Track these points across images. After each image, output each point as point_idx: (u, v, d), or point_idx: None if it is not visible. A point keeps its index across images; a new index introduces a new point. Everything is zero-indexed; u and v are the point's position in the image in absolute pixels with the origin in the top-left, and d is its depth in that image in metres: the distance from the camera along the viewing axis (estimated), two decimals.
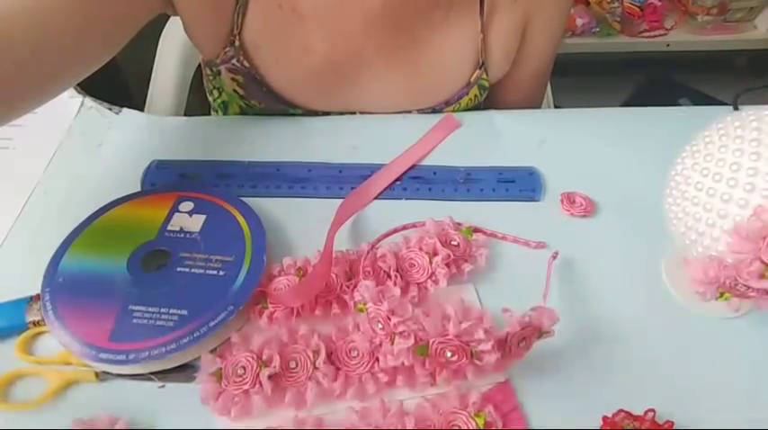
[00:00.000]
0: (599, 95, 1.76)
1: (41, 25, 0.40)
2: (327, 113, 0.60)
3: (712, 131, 0.39)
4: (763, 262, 0.35)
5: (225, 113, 0.63)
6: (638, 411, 0.37)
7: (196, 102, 0.71)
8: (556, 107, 0.79)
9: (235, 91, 0.59)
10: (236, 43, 0.53)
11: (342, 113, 0.60)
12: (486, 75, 0.59)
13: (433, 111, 0.60)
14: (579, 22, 1.60)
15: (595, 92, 1.76)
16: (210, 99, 0.64)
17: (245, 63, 0.55)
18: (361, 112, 0.60)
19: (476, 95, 0.60)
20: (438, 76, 0.59)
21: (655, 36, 1.62)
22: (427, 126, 0.57)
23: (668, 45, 1.63)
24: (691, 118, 0.56)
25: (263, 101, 0.58)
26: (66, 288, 0.41)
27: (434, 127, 0.57)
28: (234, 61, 0.55)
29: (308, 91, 0.58)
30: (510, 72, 0.62)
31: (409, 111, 0.60)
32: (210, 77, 0.60)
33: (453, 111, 0.60)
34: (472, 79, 0.59)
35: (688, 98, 1.67)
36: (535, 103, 0.70)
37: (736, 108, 0.58)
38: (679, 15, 1.63)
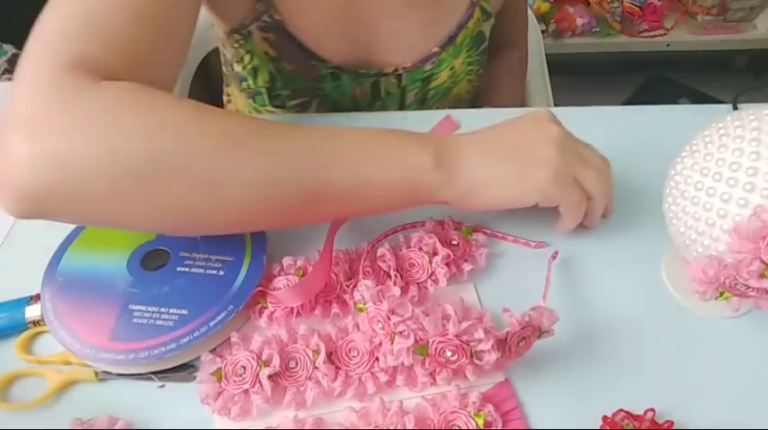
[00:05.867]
0: (599, 95, 1.77)
1: None
2: (355, 72, 0.61)
3: (712, 131, 0.39)
4: (763, 261, 0.35)
5: (254, 81, 0.62)
6: (638, 411, 0.37)
7: (196, 101, 0.71)
8: (556, 107, 0.79)
9: (266, 53, 0.59)
10: None
11: (365, 68, 0.61)
12: None
13: (450, 39, 0.62)
14: (579, 21, 1.60)
15: (595, 92, 1.77)
16: (239, 68, 0.63)
17: (276, 16, 0.55)
18: (383, 61, 0.61)
19: (479, 19, 0.63)
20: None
21: (655, 36, 1.63)
22: (427, 126, 0.57)
23: (668, 45, 1.64)
24: (691, 118, 0.56)
25: (293, 59, 0.59)
26: (66, 288, 0.41)
27: (434, 128, 0.57)
28: (265, 17, 0.55)
29: (332, 37, 0.59)
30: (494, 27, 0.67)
31: (430, 56, 0.62)
32: (240, 43, 0.59)
33: (465, 38, 0.63)
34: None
35: (688, 98, 1.67)
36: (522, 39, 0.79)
37: (735, 108, 0.58)
38: (679, 15, 1.64)
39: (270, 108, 0.65)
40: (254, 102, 0.65)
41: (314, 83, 0.61)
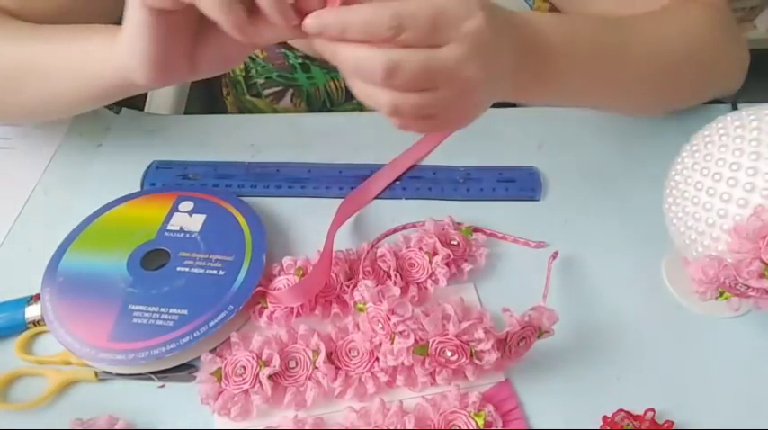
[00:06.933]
0: None
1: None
2: (326, 65, 0.60)
3: (712, 131, 0.39)
4: (762, 261, 0.35)
5: (231, 69, 0.64)
6: (638, 411, 0.37)
7: (196, 100, 0.71)
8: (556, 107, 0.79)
9: None
10: None
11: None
12: None
13: None
14: None
15: None
16: None
17: None
18: None
19: None
20: None
21: None
22: None
23: None
24: (691, 118, 0.56)
25: (264, 46, 0.60)
26: (66, 288, 0.41)
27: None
28: None
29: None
30: None
31: None
32: None
33: None
34: None
35: None
36: None
37: (735, 108, 0.58)
38: None
39: (248, 97, 0.66)
40: (236, 91, 0.67)
41: (286, 72, 0.62)
